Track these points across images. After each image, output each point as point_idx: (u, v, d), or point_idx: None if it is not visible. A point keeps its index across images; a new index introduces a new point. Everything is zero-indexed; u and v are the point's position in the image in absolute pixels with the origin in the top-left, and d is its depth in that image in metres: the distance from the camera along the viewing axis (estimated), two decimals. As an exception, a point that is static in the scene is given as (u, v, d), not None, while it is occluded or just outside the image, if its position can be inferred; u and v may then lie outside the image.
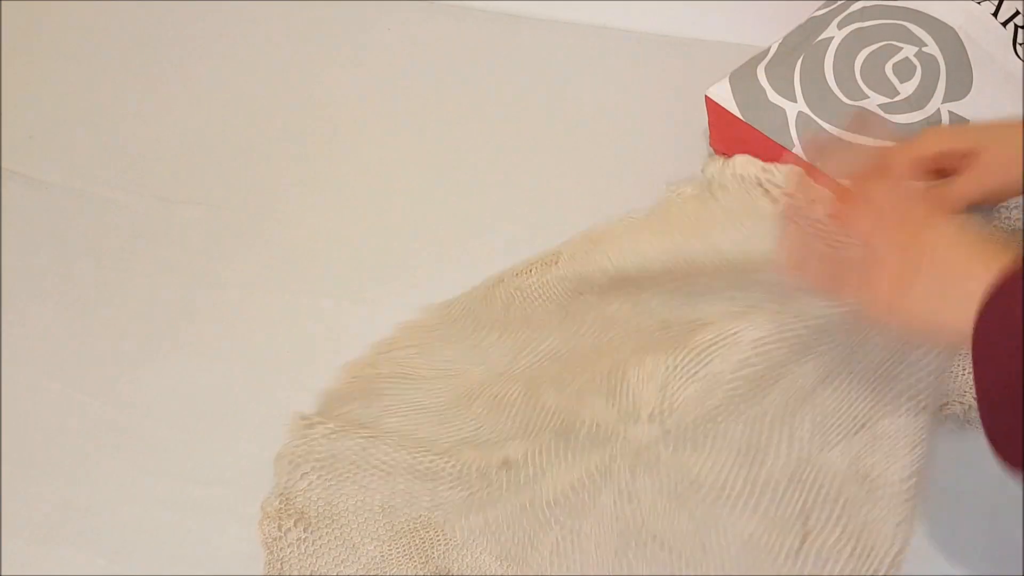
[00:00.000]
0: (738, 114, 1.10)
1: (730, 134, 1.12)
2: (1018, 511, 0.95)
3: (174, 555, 0.99)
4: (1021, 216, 1.14)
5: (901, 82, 1.08)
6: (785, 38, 1.13)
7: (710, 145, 1.16)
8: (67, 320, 1.14)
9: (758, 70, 1.11)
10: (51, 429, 1.06)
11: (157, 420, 1.06)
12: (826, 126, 1.07)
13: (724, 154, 1.15)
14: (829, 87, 1.08)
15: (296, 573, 0.95)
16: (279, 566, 0.96)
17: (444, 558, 0.94)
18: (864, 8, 1.11)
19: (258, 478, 1.01)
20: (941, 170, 0.88)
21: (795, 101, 1.08)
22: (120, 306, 1.15)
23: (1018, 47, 1.10)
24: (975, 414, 0.96)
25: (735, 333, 0.93)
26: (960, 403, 0.97)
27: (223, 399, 1.07)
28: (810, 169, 1.07)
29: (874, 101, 1.07)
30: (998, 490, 0.95)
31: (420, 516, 0.95)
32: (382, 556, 0.95)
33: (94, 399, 1.08)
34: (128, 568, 0.98)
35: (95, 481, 1.03)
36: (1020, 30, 1.10)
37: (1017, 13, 1.10)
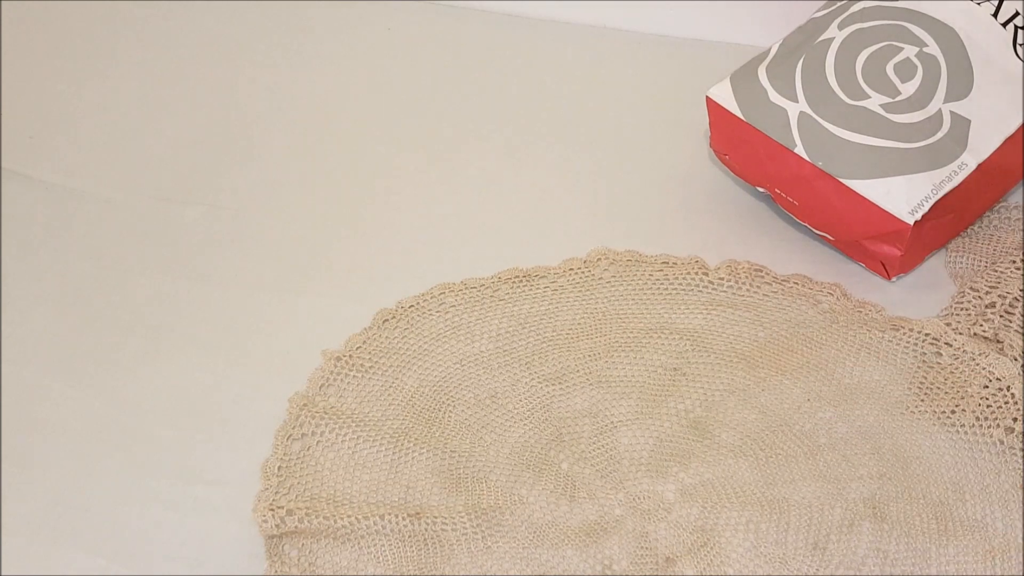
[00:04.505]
0: (739, 115, 1.10)
1: (731, 135, 1.12)
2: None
3: (174, 555, 0.98)
4: (1021, 216, 1.14)
5: (902, 82, 1.08)
6: (786, 39, 1.13)
7: (711, 146, 1.16)
8: (67, 320, 1.14)
9: (759, 70, 1.11)
10: (51, 429, 1.06)
11: (157, 420, 1.06)
12: (828, 126, 1.07)
13: (726, 155, 1.15)
14: (831, 87, 1.08)
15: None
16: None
17: None
18: (864, 9, 1.11)
19: (258, 478, 1.01)
20: None
21: (796, 101, 1.08)
22: (120, 306, 1.15)
23: (1018, 48, 1.10)
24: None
25: None
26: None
27: (223, 399, 1.07)
28: (817, 173, 1.07)
29: (876, 101, 1.07)
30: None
31: None
32: None
33: (94, 399, 1.08)
34: (128, 568, 0.97)
35: (95, 481, 1.02)
36: (1020, 31, 1.10)
37: (1017, 14, 1.11)
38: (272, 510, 0.97)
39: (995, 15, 1.10)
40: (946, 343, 1.04)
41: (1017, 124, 1.08)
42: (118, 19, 1.41)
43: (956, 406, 1.00)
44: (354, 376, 1.07)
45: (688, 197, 1.21)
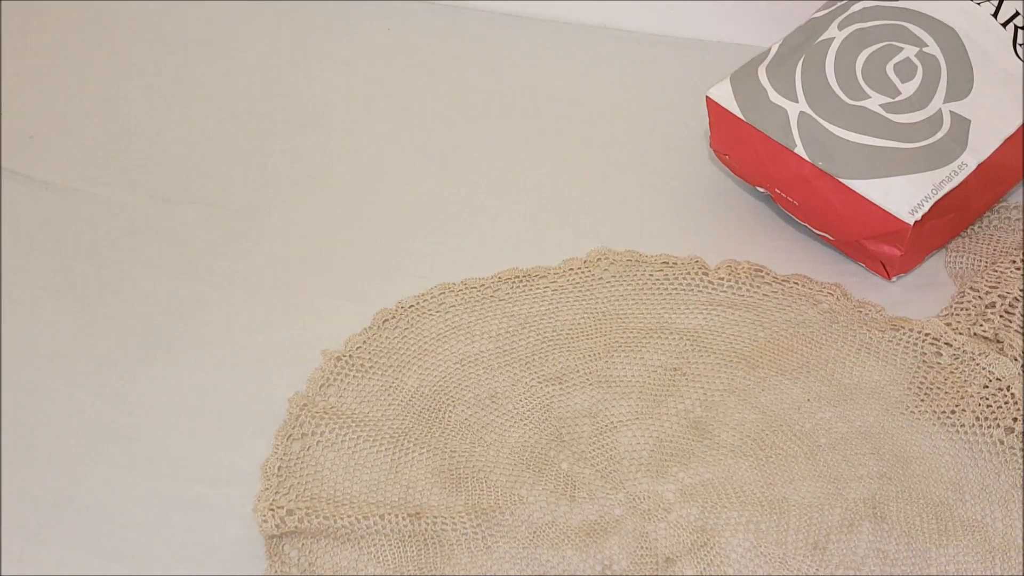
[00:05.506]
0: (739, 114, 1.10)
1: (731, 134, 1.12)
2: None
3: (174, 555, 0.98)
4: (1021, 216, 1.14)
5: (902, 82, 1.08)
6: (786, 39, 1.13)
7: (711, 146, 1.16)
8: (67, 320, 1.14)
9: (759, 70, 1.11)
10: (51, 429, 1.06)
11: (157, 420, 1.06)
12: (828, 126, 1.07)
13: (726, 155, 1.15)
14: (831, 87, 1.08)
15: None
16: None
17: None
18: (864, 9, 1.11)
19: (258, 478, 1.01)
20: None
21: (796, 101, 1.08)
22: (120, 306, 1.15)
23: (1018, 47, 1.10)
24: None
25: None
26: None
27: (223, 399, 1.07)
28: (817, 173, 1.07)
29: (876, 101, 1.07)
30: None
31: None
32: None
33: (94, 399, 1.08)
34: (128, 568, 0.98)
35: (95, 481, 1.03)
36: (1020, 31, 1.10)
37: (1017, 14, 1.11)
38: (272, 510, 0.97)
39: (995, 15, 1.10)
40: (946, 343, 1.04)
41: (1017, 124, 1.08)
42: (118, 19, 1.41)
43: (956, 406, 1.00)
44: (354, 376, 1.07)
45: (688, 197, 1.21)
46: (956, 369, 1.03)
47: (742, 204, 1.19)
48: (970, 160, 1.06)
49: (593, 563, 0.94)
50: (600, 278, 1.13)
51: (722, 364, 1.05)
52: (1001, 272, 1.09)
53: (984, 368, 1.02)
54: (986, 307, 1.06)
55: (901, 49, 1.09)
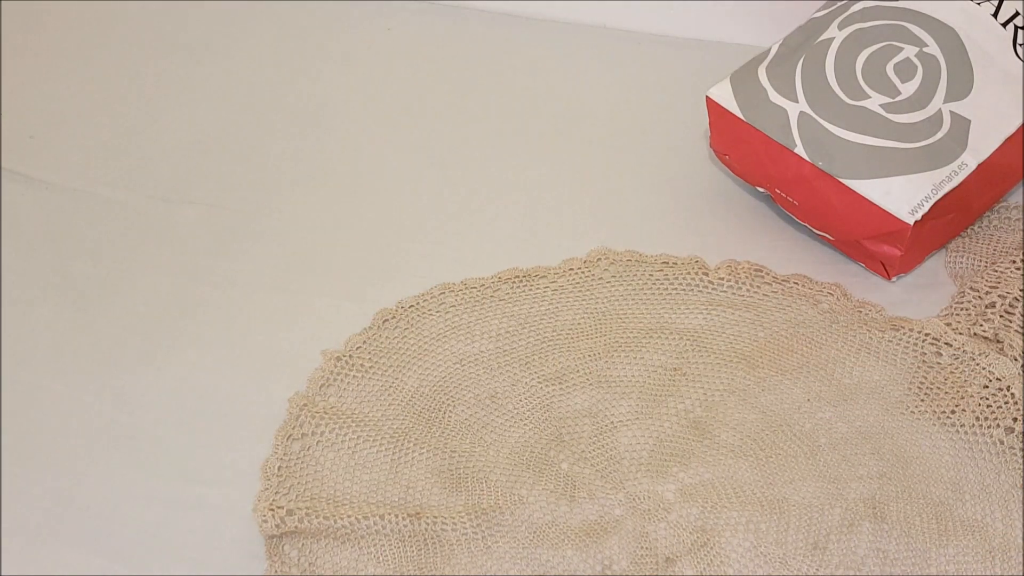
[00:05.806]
0: (739, 114, 1.10)
1: (731, 134, 1.12)
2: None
3: (174, 555, 0.98)
4: (1021, 216, 1.14)
5: (902, 82, 1.08)
6: (786, 39, 1.13)
7: (711, 146, 1.16)
8: (67, 320, 1.14)
9: (759, 70, 1.11)
10: (51, 429, 1.06)
11: (157, 420, 1.06)
12: (828, 126, 1.07)
13: (726, 155, 1.15)
14: (831, 87, 1.08)
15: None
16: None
17: None
18: (864, 9, 1.11)
19: (258, 478, 1.01)
20: None
21: (796, 101, 1.08)
22: (120, 306, 1.15)
23: (1018, 47, 1.10)
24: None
25: None
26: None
27: (223, 399, 1.07)
28: (817, 173, 1.07)
29: (876, 101, 1.07)
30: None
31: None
32: None
33: (94, 399, 1.08)
34: (128, 568, 0.98)
35: (95, 481, 1.03)
36: (1020, 31, 1.10)
37: (1017, 14, 1.11)
38: (272, 510, 0.97)
39: (995, 15, 1.10)
40: (946, 343, 1.04)
41: (1017, 124, 1.08)
42: (118, 19, 1.41)
43: (956, 406, 1.00)
44: (354, 376, 1.07)
45: (688, 197, 1.21)
46: (956, 369, 1.03)
47: (742, 204, 1.19)
48: (970, 160, 1.06)
49: (593, 563, 0.94)
50: (600, 278, 1.13)
51: (722, 364, 1.05)
52: (1001, 272, 1.09)
53: (984, 368, 1.02)
54: (986, 307, 1.06)
55: (901, 49, 1.09)
